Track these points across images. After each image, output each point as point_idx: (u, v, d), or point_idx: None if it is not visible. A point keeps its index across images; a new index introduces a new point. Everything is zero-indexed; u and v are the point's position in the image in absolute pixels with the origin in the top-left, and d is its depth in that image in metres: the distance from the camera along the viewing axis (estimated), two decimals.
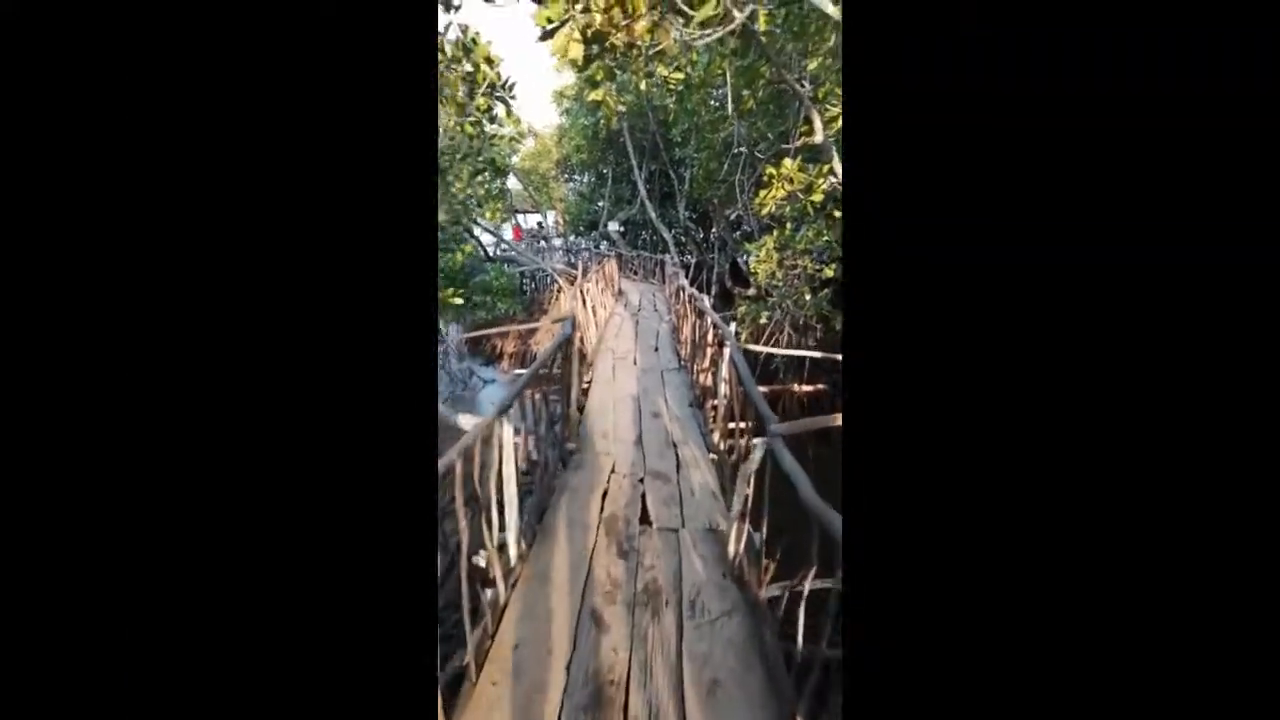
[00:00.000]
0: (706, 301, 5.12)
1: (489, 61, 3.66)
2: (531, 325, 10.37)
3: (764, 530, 2.34)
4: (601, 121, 15.51)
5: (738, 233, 11.53)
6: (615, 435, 4.31)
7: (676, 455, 3.95)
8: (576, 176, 21.62)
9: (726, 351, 4.01)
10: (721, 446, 3.96)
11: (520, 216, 23.18)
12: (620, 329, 8.41)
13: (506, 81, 3.79)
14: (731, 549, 2.55)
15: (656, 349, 7.10)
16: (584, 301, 6.82)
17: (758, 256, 6.46)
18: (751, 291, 11.03)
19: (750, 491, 2.46)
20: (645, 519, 3.12)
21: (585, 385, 5.66)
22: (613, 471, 3.69)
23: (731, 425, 3.77)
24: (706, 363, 4.99)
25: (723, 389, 4.17)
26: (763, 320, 6.58)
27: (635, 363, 6.42)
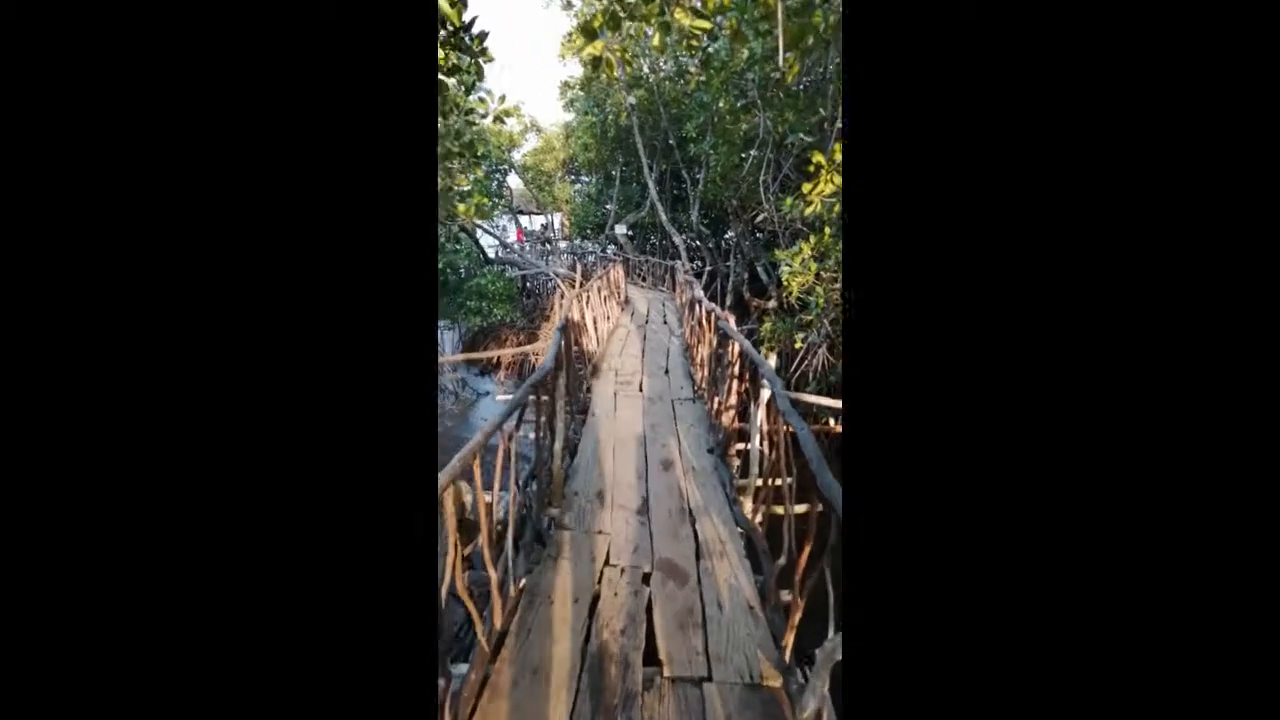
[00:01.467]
0: (731, 321, 4.09)
1: None
2: (523, 349, 9.32)
3: None
4: (610, 117, 14.58)
5: (756, 236, 10.46)
6: (613, 498, 3.27)
7: (695, 534, 2.91)
8: (584, 178, 20.71)
9: (765, 394, 2.99)
10: (756, 518, 2.93)
11: (524, 218, 22.33)
12: (625, 344, 7.39)
13: (471, 25, 2.79)
14: None
15: (667, 371, 6.07)
16: (582, 312, 5.80)
17: (791, 267, 5.42)
18: (772, 304, 9.97)
19: (827, 682, 1.42)
20: (651, 654, 2.08)
21: (580, 415, 4.65)
22: (607, 562, 2.65)
23: (776, 481, 2.74)
24: (731, 397, 3.95)
25: (757, 442, 3.14)
26: (798, 344, 5.51)
27: (641, 389, 5.38)
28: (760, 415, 3.07)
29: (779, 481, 2.68)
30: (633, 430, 4.32)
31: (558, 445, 3.11)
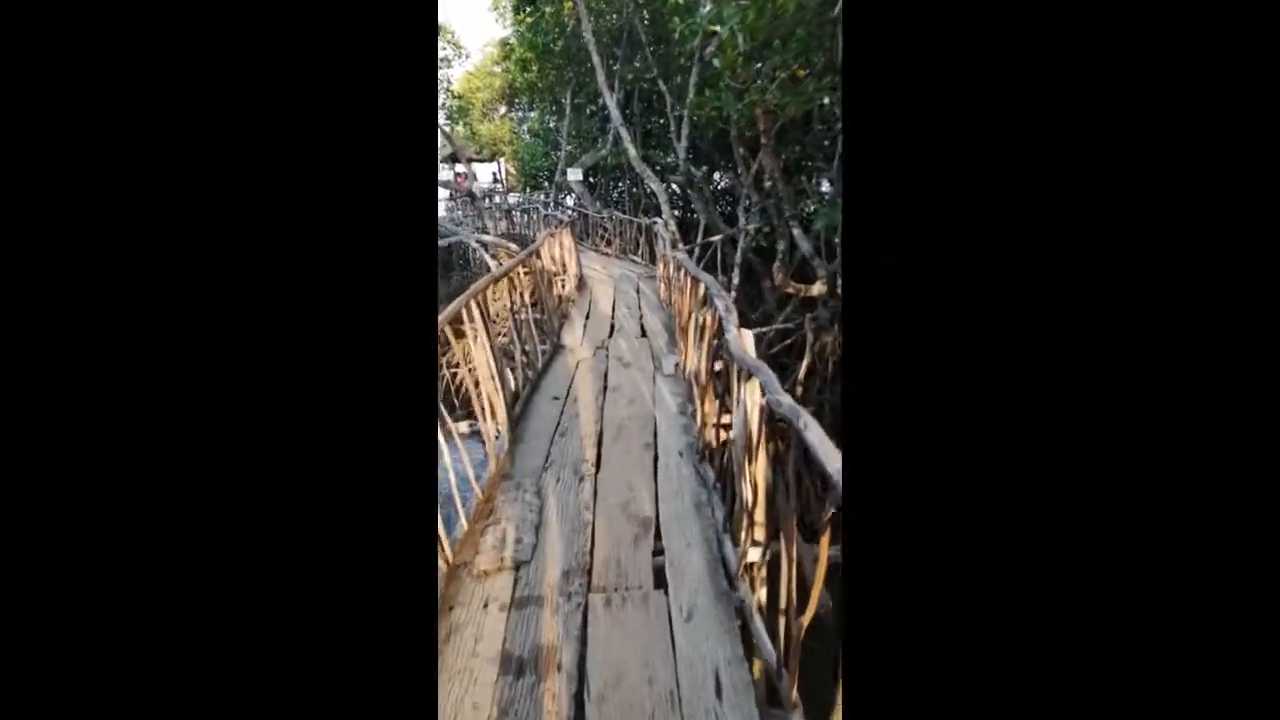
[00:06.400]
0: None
1: None
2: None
3: None
4: (550, 11, 10.28)
5: (791, 173, 6.54)
6: None
7: None
8: (532, 114, 16.32)
9: None
10: None
11: (461, 166, 17.93)
12: (563, 418, 3.68)
13: None
14: None
15: (660, 553, 2.37)
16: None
17: None
18: (819, 288, 6.21)
19: None
20: None
21: None
22: None
23: None
24: None
25: None
26: None
27: (576, 623, 1.66)
28: None
29: None
30: None
31: None
